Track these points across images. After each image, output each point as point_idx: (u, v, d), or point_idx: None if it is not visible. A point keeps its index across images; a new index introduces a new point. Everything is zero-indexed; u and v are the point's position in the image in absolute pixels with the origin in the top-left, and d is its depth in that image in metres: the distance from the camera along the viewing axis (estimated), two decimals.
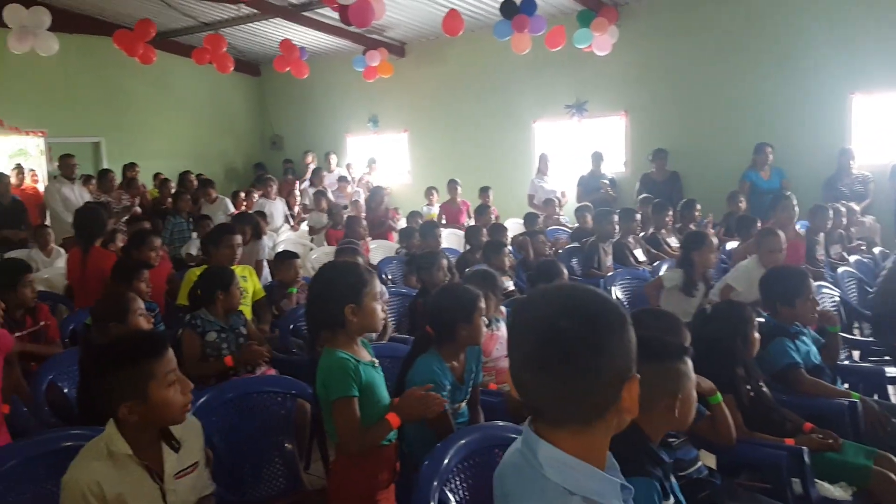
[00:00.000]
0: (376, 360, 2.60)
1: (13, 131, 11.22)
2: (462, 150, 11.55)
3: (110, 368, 1.90)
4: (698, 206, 7.47)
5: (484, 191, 9.16)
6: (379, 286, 2.58)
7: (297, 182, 11.55)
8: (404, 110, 12.35)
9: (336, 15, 9.69)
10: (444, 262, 4.92)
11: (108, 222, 5.15)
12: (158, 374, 1.90)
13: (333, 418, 2.38)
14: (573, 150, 10.58)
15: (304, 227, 9.41)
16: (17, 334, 3.87)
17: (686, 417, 2.12)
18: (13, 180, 9.70)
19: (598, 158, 9.57)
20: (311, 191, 10.45)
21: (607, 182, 9.44)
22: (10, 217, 8.26)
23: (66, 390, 3.47)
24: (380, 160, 12.30)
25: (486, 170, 10.83)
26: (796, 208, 5.81)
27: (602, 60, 9.68)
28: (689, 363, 2.16)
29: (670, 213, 7.32)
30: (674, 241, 7.10)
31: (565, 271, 4.42)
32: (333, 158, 11.58)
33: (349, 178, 11.59)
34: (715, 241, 5.27)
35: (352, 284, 2.46)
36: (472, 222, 8.51)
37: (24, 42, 8.50)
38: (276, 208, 9.41)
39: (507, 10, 8.72)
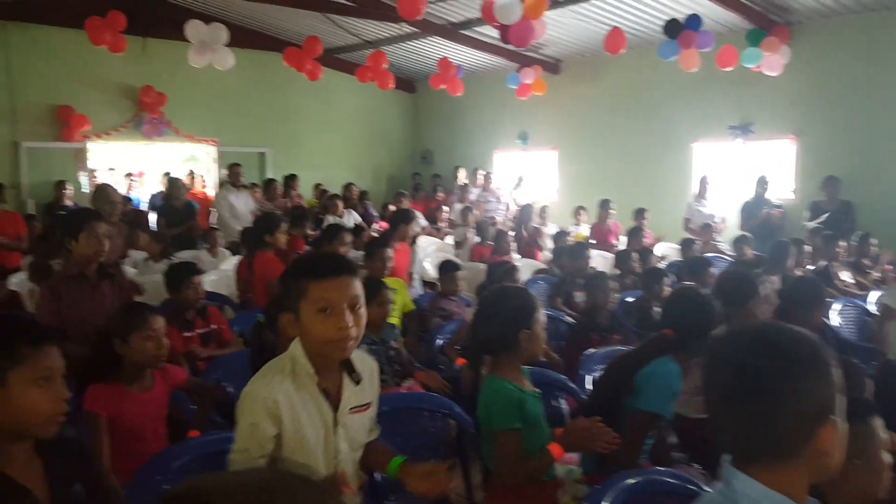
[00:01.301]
0: (537, 390, 2.52)
1: (188, 139, 12.08)
2: (614, 170, 11.25)
3: None
4: (874, 240, 6.87)
5: (639, 213, 8.84)
6: (542, 310, 2.49)
7: (447, 196, 11.69)
8: (555, 128, 12.22)
9: (493, 33, 9.78)
10: (610, 283, 4.81)
11: (278, 228, 5.38)
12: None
13: (494, 448, 2.30)
14: (735, 173, 10.03)
15: (449, 240, 9.48)
16: (185, 334, 4.08)
17: (871, 488, 1.83)
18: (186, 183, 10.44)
19: (763, 184, 8.99)
20: (459, 206, 10.53)
21: (776, 208, 8.85)
22: (182, 218, 8.86)
23: (230, 390, 3.62)
24: (527, 177, 12.21)
25: (638, 191, 10.48)
26: None
27: (771, 81, 9.15)
28: (879, 422, 1.88)
29: (842, 245, 6.79)
30: (846, 276, 6.54)
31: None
32: (481, 174, 11.62)
33: (489, 198, 11.59)
34: None
35: (525, 309, 2.39)
36: (621, 245, 8.28)
37: (203, 56, 9.11)
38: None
39: (672, 29, 8.45)
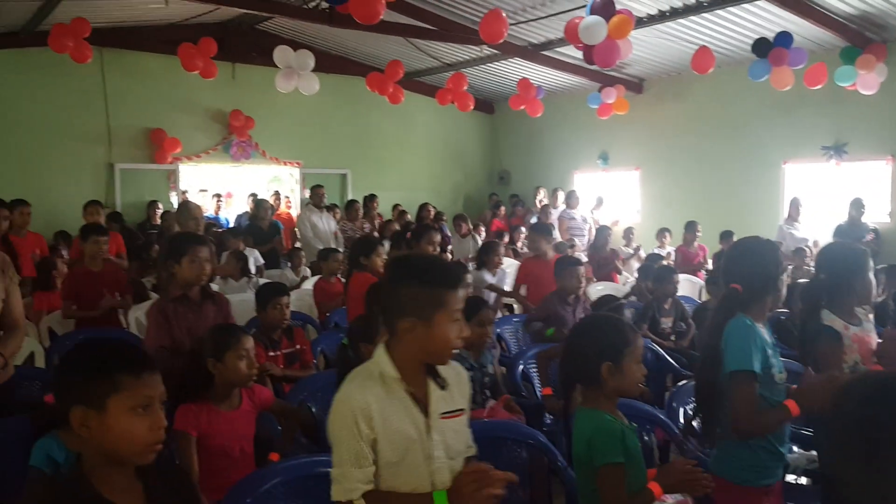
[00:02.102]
0: (634, 424, 2.43)
1: (273, 161, 12.41)
2: (699, 191, 10.96)
3: (75, 366, 1.69)
4: None
5: (726, 236, 8.56)
6: (641, 345, 2.39)
7: (526, 216, 11.61)
8: (637, 147, 12.01)
9: (574, 52, 9.70)
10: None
11: (375, 251, 5.40)
12: (125, 391, 1.62)
13: (598, 485, 2.22)
14: (829, 195, 9.61)
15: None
16: (271, 353, 4.15)
17: None
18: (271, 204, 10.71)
19: (857, 206, 8.58)
20: None
21: (870, 232, 8.43)
22: (268, 238, 9.08)
23: (314, 409, 3.64)
24: (608, 198, 12.02)
25: (725, 213, 10.16)
26: None
27: (866, 100, 8.77)
28: None
29: None
30: None
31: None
32: (560, 195, 11.50)
33: (574, 216, 11.43)
34: None
35: (613, 342, 2.31)
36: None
37: (290, 82, 9.35)
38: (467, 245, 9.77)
39: (760, 48, 8.21)
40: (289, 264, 8.36)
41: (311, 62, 9.33)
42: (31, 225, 6.81)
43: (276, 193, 11.93)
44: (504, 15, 7.22)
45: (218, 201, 11.77)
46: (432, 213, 10.72)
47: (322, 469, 2.60)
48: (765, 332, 2.56)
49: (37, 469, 2.41)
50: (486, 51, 10.34)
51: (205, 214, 7.54)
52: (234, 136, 11.78)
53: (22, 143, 10.08)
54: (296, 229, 10.05)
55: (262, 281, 6.74)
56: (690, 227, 9.06)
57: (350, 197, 12.10)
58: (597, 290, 7.11)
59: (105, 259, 5.36)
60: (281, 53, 9.22)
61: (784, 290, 2.70)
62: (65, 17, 8.51)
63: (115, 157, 10.93)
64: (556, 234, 10.17)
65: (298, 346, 4.25)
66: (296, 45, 9.87)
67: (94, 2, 8.72)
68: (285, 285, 4.46)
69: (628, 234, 10.04)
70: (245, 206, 11.63)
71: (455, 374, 2.07)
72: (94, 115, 10.66)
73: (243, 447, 2.86)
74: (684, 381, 3.78)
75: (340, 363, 3.83)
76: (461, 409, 2.04)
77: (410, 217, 10.76)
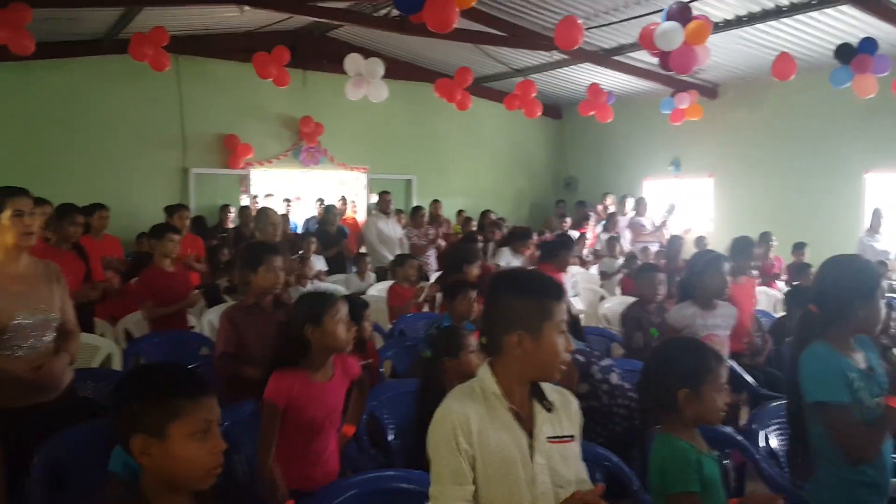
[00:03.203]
0: (715, 451, 2.32)
1: (341, 167, 12.55)
2: (776, 200, 10.59)
3: (133, 393, 1.65)
4: None
5: (798, 248, 8.25)
6: (725, 373, 2.28)
7: (593, 224, 11.42)
8: (711, 154, 11.69)
9: (646, 57, 9.50)
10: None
11: (471, 263, 5.32)
12: (186, 416, 1.61)
13: None
14: None
15: (593, 271, 9.22)
16: None
17: None
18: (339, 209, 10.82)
19: None
20: (605, 236, 10.24)
21: None
22: (333, 243, 9.16)
23: (382, 419, 3.62)
24: (680, 206, 11.70)
25: (803, 223, 9.79)
26: None
27: None
28: None
29: None
30: None
31: None
32: (629, 202, 11.28)
33: (644, 223, 11.19)
34: None
35: (692, 368, 2.21)
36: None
37: (359, 89, 9.41)
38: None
39: (844, 53, 7.87)
40: (354, 269, 8.41)
41: (381, 70, 9.38)
42: (108, 228, 6.99)
43: (343, 198, 12.05)
44: (580, 21, 7.09)
45: (287, 206, 11.96)
46: (493, 219, 10.65)
47: (396, 484, 2.61)
48: (857, 356, 2.42)
49: (114, 474, 2.44)
50: (556, 56, 10.24)
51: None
52: (303, 142, 11.97)
53: (101, 147, 10.43)
54: (362, 234, 10.12)
55: (324, 286, 6.78)
56: (765, 237, 8.76)
57: (415, 202, 12.16)
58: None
59: (175, 260, 5.43)
60: (351, 61, 9.29)
61: (881, 311, 2.53)
62: (143, 26, 8.78)
63: (190, 161, 11.22)
64: (626, 243, 10.00)
65: (370, 360, 4.22)
66: (365, 52, 9.94)
67: (171, 10, 8.96)
68: (367, 302, 4.41)
69: (701, 243, 9.75)
70: (313, 211, 11.79)
71: (564, 399, 2.01)
72: (171, 121, 10.98)
73: (332, 420, 2.84)
74: (765, 403, 3.62)
75: (425, 377, 3.80)
76: (570, 437, 1.96)
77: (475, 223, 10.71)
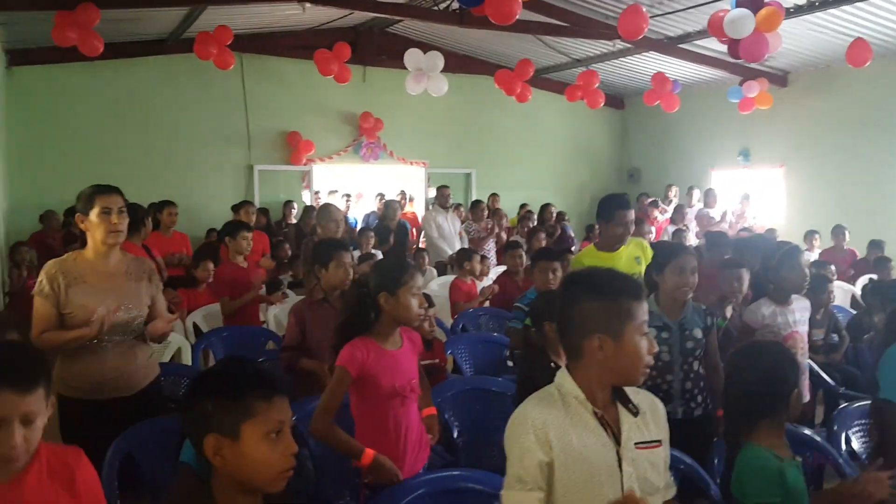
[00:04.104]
0: (798, 458, 2.22)
1: (401, 161, 12.57)
2: (850, 191, 10.16)
3: (206, 393, 1.64)
4: None
5: (874, 247, 7.90)
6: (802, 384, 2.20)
7: (657, 214, 11.17)
8: (781, 144, 11.28)
9: (714, 45, 9.22)
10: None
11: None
12: (259, 416, 1.59)
13: None
14: None
15: None
16: None
17: None
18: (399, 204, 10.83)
19: None
20: (672, 228, 10.00)
21: None
22: (396, 238, 9.18)
23: (446, 416, 3.60)
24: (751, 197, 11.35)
25: (880, 216, 9.38)
26: None
27: None
28: None
29: None
30: None
31: None
32: (696, 193, 10.99)
33: (713, 215, 10.88)
34: None
35: (794, 372, 2.13)
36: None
37: (419, 84, 9.41)
38: None
39: None
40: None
41: (441, 63, 9.35)
42: (176, 225, 7.16)
43: (403, 193, 12.08)
44: (644, 10, 6.92)
45: (347, 201, 12.05)
46: (554, 213, 10.50)
47: (465, 484, 2.58)
48: None
49: (186, 464, 2.47)
50: (619, 45, 10.03)
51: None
52: (363, 138, 12.03)
53: (168, 146, 10.67)
54: (421, 229, 10.12)
55: None
56: (838, 230, 8.43)
57: (474, 196, 12.10)
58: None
59: (247, 257, 5.54)
60: (411, 56, 9.29)
61: None
62: (207, 25, 8.93)
63: (255, 158, 11.40)
64: (692, 236, 9.74)
65: (437, 360, 4.19)
66: (424, 46, 9.92)
67: (234, 9, 9.08)
68: (430, 297, 4.41)
69: (771, 235, 9.44)
70: (373, 206, 11.85)
71: (650, 401, 1.93)
72: (235, 118, 11.16)
73: (413, 387, 2.78)
74: (845, 403, 3.47)
75: (523, 342, 3.76)
76: (658, 441, 1.87)
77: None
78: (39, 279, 2.99)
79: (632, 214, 4.13)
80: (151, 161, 10.45)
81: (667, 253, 3.33)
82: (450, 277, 7.73)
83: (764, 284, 3.91)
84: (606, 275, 1.87)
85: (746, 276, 4.43)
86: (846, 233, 8.43)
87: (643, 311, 1.80)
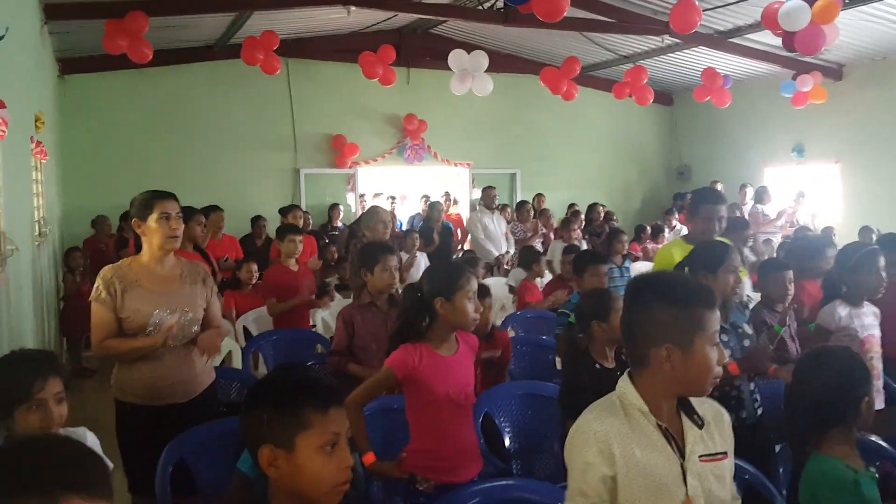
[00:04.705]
0: (873, 469, 2.11)
1: (444, 163, 12.54)
2: None
3: (261, 403, 1.61)
4: None
5: None
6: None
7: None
8: (837, 139, 10.94)
9: (765, 39, 8.99)
10: None
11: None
12: (314, 429, 1.56)
13: None
14: None
15: None
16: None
17: None
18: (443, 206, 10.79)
19: None
20: None
21: None
22: (441, 240, 9.13)
23: (497, 422, 3.52)
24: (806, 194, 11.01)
25: None
26: None
27: None
28: None
29: None
30: None
31: None
32: (749, 191, 10.71)
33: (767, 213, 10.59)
34: None
35: (865, 378, 2.01)
36: None
37: (464, 84, 9.36)
38: None
39: None
40: None
41: (485, 63, 9.29)
42: (225, 228, 7.24)
43: (447, 194, 12.03)
44: (696, 3, 6.76)
45: (392, 203, 12.06)
46: (602, 213, 10.34)
47: (520, 494, 2.51)
48: None
49: (241, 473, 2.45)
50: (668, 41, 9.82)
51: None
52: (407, 140, 12.03)
53: (215, 151, 10.81)
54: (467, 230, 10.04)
55: None
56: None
57: (519, 197, 12.00)
58: None
59: (298, 260, 5.55)
60: (456, 57, 9.25)
61: None
62: (253, 30, 9.01)
63: (301, 162, 11.48)
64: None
65: (500, 352, 4.10)
66: (468, 47, 9.86)
67: (280, 14, 9.15)
68: (488, 287, 4.32)
69: (828, 233, 9.14)
70: (417, 208, 11.83)
71: (714, 411, 1.84)
72: (282, 122, 11.26)
73: (468, 394, 2.75)
74: None
75: (566, 343, 3.67)
76: (724, 453, 1.79)
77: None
78: (96, 285, 3.02)
79: (721, 210, 4.04)
80: (199, 166, 10.59)
81: (720, 253, 3.22)
82: (497, 279, 7.67)
83: (836, 286, 3.75)
84: (679, 281, 1.79)
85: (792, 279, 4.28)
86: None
87: (715, 320, 1.71)
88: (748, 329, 3.25)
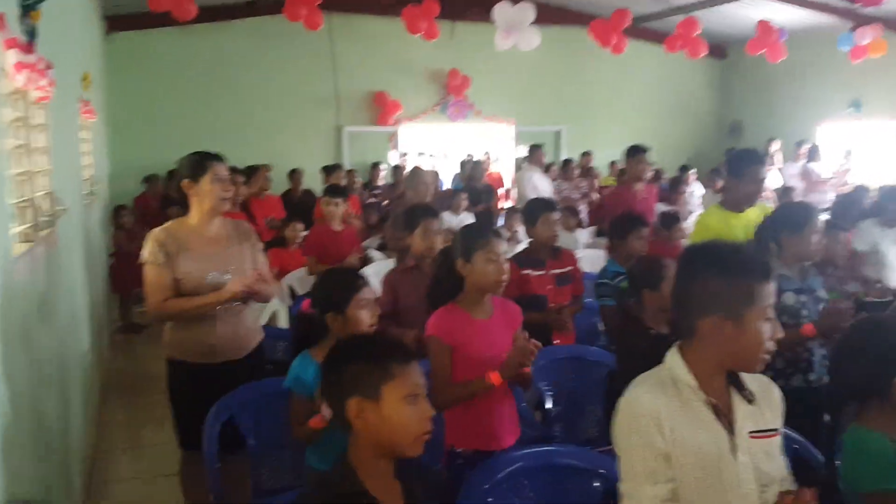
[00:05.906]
0: None
1: (488, 120, 12.38)
2: None
3: (347, 358, 1.72)
4: None
5: None
6: None
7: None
8: None
9: None
10: None
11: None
12: (398, 379, 1.65)
13: None
14: None
15: None
16: (535, 273, 3.96)
17: None
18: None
19: None
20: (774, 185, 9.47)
21: None
22: (482, 199, 9.04)
23: (540, 385, 3.49)
24: (861, 151, 10.61)
25: None
26: None
27: None
28: None
29: None
30: None
31: None
32: (803, 148, 10.35)
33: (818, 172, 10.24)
34: None
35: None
36: None
37: (509, 38, 9.16)
38: None
39: None
40: (503, 226, 8.23)
41: (532, 16, 9.05)
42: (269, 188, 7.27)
43: (487, 153, 11.89)
44: None
45: (434, 162, 11.96)
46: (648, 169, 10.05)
47: (564, 460, 2.49)
48: None
49: (310, 468, 2.53)
50: None
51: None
52: (451, 97, 11.90)
53: (258, 108, 10.83)
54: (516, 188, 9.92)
55: None
56: None
57: (564, 155, 11.81)
58: None
59: (344, 220, 5.53)
60: (501, 10, 9.03)
61: None
62: None
63: (343, 120, 11.45)
64: (799, 193, 9.20)
65: (570, 268, 4.03)
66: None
67: None
68: (552, 201, 4.23)
69: (861, 192, 8.76)
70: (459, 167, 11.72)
71: (764, 386, 1.79)
72: (324, 79, 11.21)
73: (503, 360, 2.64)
74: None
75: (617, 312, 3.60)
76: (774, 430, 1.75)
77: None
78: (150, 248, 3.01)
79: (765, 171, 3.83)
80: (242, 124, 10.63)
81: (806, 213, 3.14)
82: None
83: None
84: (732, 250, 1.71)
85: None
86: None
87: (769, 293, 1.64)
88: (823, 293, 3.17)
